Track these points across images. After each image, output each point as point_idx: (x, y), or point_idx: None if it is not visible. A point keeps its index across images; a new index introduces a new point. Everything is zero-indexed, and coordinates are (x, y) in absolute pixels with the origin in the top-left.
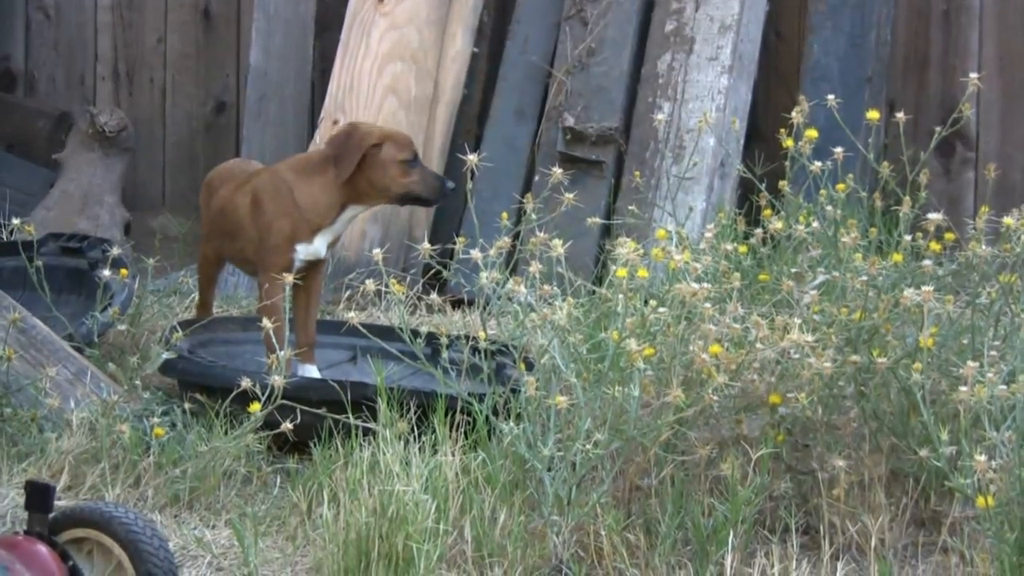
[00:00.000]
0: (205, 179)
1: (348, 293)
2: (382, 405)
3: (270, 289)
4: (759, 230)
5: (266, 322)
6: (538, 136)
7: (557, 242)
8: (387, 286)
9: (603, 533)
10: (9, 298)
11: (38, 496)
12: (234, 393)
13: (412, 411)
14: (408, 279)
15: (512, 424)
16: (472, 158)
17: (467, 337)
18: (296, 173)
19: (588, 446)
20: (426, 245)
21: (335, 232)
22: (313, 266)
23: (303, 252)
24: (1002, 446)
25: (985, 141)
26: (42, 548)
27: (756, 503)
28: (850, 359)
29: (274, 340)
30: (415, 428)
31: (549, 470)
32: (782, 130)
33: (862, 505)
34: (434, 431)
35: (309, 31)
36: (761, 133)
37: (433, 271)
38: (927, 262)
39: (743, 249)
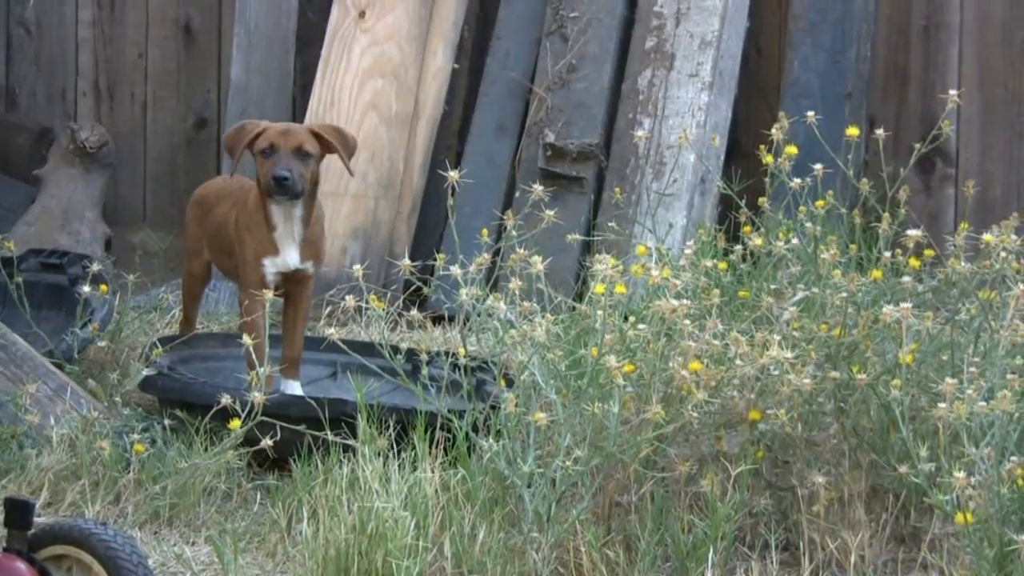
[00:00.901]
0: (194, 196)
1: (328, 309)
2: (362, 422)
3: (249, 306)
4: (739, 247)
5: (246, 339)
6: (519, 152)
7: (537, 259)
8: (367, 302)
9: (583, 550)
10: None
11: (17, 513)
12: (214, 410)
13: (392, 427)
14: (389, 295)
15: (492, 441)
16: (453, 174)
17: (447, 353)
18: (254, 189)
19: (568, 463)
20: (407, 261)
21: (292, 236)
22: (297, 280)
23: (271, 265)
24: (981, 463)
25: (965, 157)
26: (21, 565)
27: (736, 519)
28: (830, 375)
29: (254, 357)
30: (395, 445)
31: (529, 487)
32: (762, 146)
33: (842, 521)
34: (414, 448)
35: (290, 46)
36: (741, 149)
37: (414, 287)
38: (907, 279)
39: (723, 265)
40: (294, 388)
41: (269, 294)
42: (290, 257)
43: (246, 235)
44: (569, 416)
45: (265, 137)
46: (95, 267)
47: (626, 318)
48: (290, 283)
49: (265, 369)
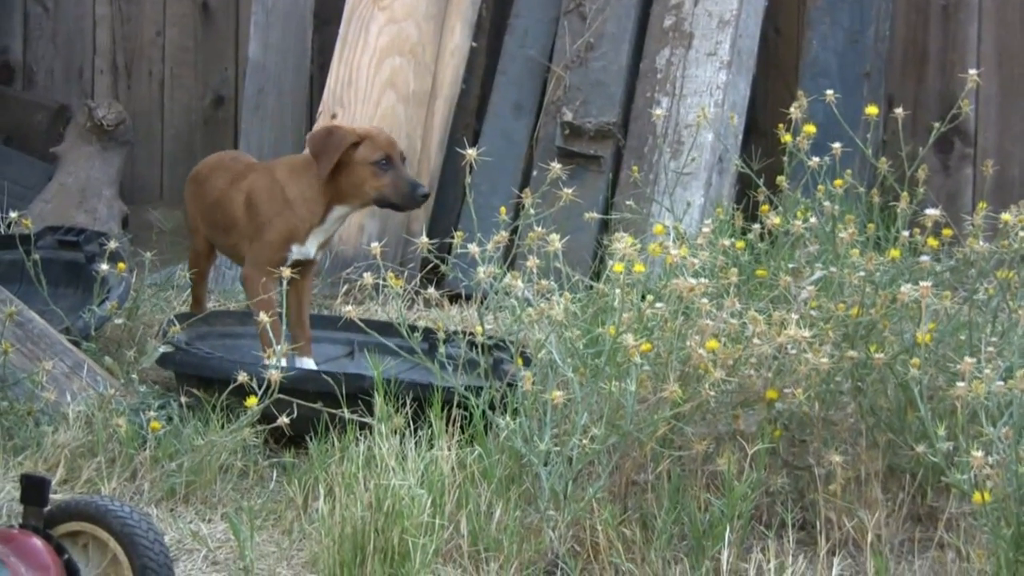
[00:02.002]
0: (191, 174)
1: (346, 287)
2: (379, 399)
3: (266, 283)
4: (757, 225)
5: (262, 316)
6: (536, 131)
7: (555, 237)
8: (385, 280)
9: (599, 528)
10: (6, 291)
11: (34, 490)
12: (231, 386)
13: (408, 405)
14: (406, 273)
15: (509, 419)
16: (471, 152)
17: (464, 332)
18: (288, 173)
19: (584, 441)
20: (424, 239)
21: (326, 232)
22: (303, 266)
23: (296, 252)
24: (999, 442)
25: (983, 137)
26: (37, 542)
27: (752, 498)
28: (847, 355)
29: (271, 334)
30: (411, 423)
31: (545, 465)
32: (780, 125)
33: (859, 501)
34: (430, 426)
35: (308, 25)
36: (759, 128)
37: (431, 265)
38: (925, 258)
39: (740, 244)
40: (309, 365)
41: (287, 271)
42: (311, 247)
43: (276, 219)
44: (586, 395)
45: (375, 147)
46: (112, 245)
47: (643, 297)
48: (296, 267)
49: (282, 347)
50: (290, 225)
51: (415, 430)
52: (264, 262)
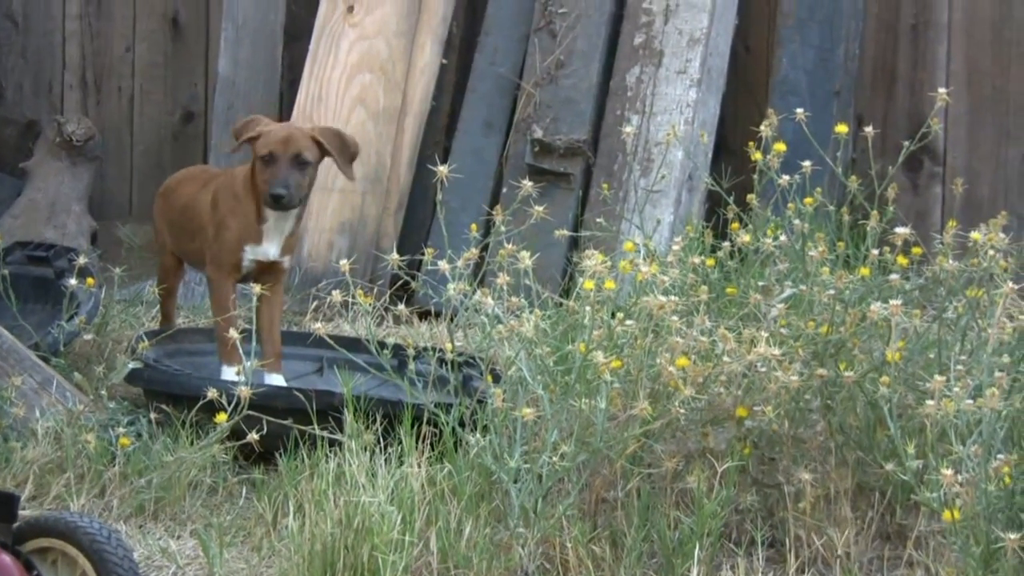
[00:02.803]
0: (161, 188)
1: (315, 304)
2: (348, 416)
3: (219, 286)
4: (727, 243)
5: (231, 332)
6: (506, 148)
7: (525, 254)
8: (354, 297)
9: (569, 545)
10: None
11: (2, 506)
12: (200, 403)
13: (378, 422)
14: (375, 290)
15: (479, 436)
16: (442, 169)
17: (434, 349)
18: (244, 174)
19: (555, 458)
20: (395, 256)
21: (279, 232)
22: (271, 274)
23: (251, 253)
24: (968, 460)
25: (953, 156)
26: (6, 558)
27: (722, 516)
28: (817, 373)
29: (238, 348)
30: (381, 439)
31: (515, 482)
32: (751, 143)
33: (828, 518)
34: (400, 442)
35: (278, 41)
36: (729, 146)
37: (401, 282)
38: (894, 276)
39: (711, 262)
40: (278, 382)
41: (257, 288)
42: (271, 249)
43: (229, 218)
44: (556, 412)
45: (265, 142)
46: (81, 260)
47: (613, 314)
48: (263, 274)
49: (252, 363)
50: (240, 223)
51: (385, 447)
52: (223, 263)
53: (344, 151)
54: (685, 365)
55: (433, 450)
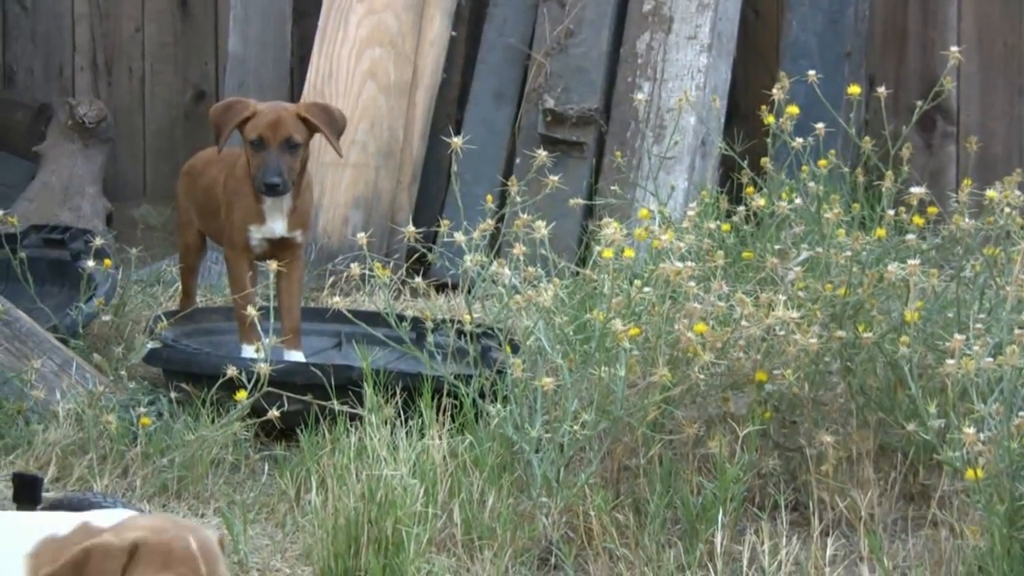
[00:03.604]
0: (184, 168)
1: (332, 279)
2: (368, 389)
3: (234, 265)
4: (742, 208)
5: (250, 310)
6: (518, 118)
7: (540, 224)
8: (371, 271)
9: (592, 514)
10: None
11: (26, 488)
12: (220, 381)
13: (398, 395)
14: (392, 263)
15: (499, 406)
16: (456, 141)
17: (452, 320)
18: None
19: (575, 427)
20: (410, 228)
21: (281, 209)
22: (286, 250)
23: (257, 232)
24: (990, 418)
25: (966, 114)
26: None
27: (744, 481)
28: (836, 335)
29: (257, 326)
30: (402, 412)
31: (537, 452)
32: (763, 107)
33: (851, 480)
34: (421, 415)
35: (287, 18)
36: (741, 111)
37: (417, 255)
38: (911, 236)
39: (726, 227)
40: (298, 358)
41: (274, 264)
42: (276, 226)
43: (234, 199)
44: (576, 380)
45: (254, 126)
46: (97, 242)
47: (631, 282)
48: (278, 250)
49: (270, 340)
50: (243, 204)
51: (405, 420)
52: (235, 242)
53: (333, 126)
54: (703, 331)
55: (454, 422)
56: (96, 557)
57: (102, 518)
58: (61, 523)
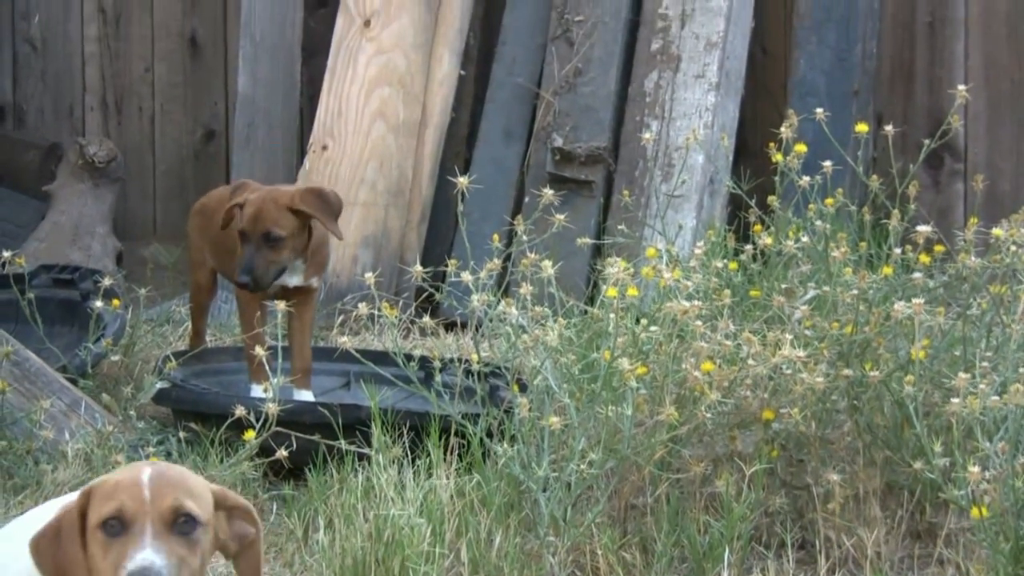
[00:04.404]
0: (195, 207)
1: (341, 318)
2: (376, 429)
3: (245, 305)
4: (749, 246)
5: (257, 349)
6: (527, 157)
7: (548, 263)
8: (380, 310)
9: (599, 552)
10: (2, 331)
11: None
12: (229, 421)
13: (406, 434)
14: (400, 303)
15: (506, 446)
16: (463, 180)
17: (460, 360)
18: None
19: (583, 466)
20: (419, 268)
21: (297, 269)
22: (300, 293)
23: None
24: (995, 456)
25: (973, 152)
26: None
27: (751, 519)
28: (842, 373)
29: (264, 366)
30: (409, 452)
31: (544, 491)
32: (771, 144)
33: (857, 519)
34: (428, 454)
35: (296, 57)
36: (749, 149)
37: (426, 294)
38: (917, 275)
39: (733, 266)
40: (307, 397)
41: (282, 304)
42: (289, 279)
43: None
44: (583, 419)
45: (241, 217)
46: (106, 281)
47: (638, 320)
48: (292, 295)
49: (279, 380)
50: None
51: (413, 459)
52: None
53: (327, 209)
54: (710, 369)
55: (461, 461)
56: (67, 511)
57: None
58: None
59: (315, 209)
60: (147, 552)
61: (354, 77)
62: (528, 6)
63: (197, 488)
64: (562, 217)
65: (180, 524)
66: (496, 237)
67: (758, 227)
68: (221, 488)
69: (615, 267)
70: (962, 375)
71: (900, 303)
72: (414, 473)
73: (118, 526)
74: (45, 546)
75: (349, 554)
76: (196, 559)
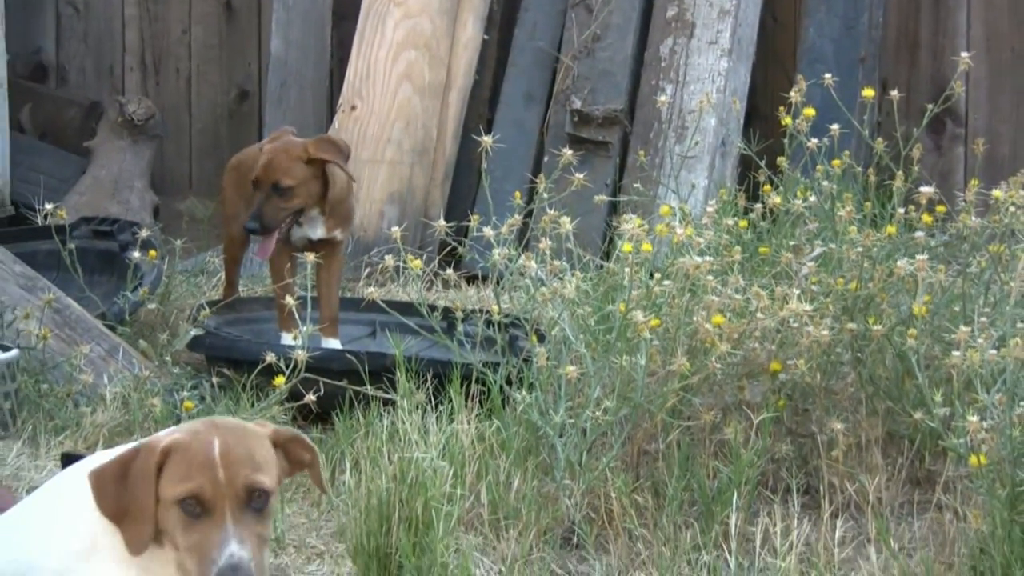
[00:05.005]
0: (230, 163)
1: (368, 270)
2: (400, 376)
3: (275, 256)
4: (759, 205)
5: (287, 299)
6: (547, 119)
7: (566, 219)
8: (405, 263)
9: (613, 496)
10: (44, 280)
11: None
12: (259, 367)
13: (429, 381)
14: (424, 256)
15: (525, 393)
16: (486, 140)
17: (481, 311)
18: None
19: (598, 413)
20: (442, 223)
21: (318, 220)
22: (326, 245)
23: (296, 231)
24: (993, 407)
25: (974, 117)
26: None
27: (758, 465)
28: (847, 327)
29: (294, 315)
30: (432, 398)
31: (561, 436)
32: (781, 108)
33: (860, 466)
34: (450, 401)
35: (327, 21)
36: (759, 113)
37: (449, 248)
38: (920, 234)
39: (743, 224)
40: (334, 346)
41: (311, 256)
42: (312, 232)
43: None
44: (598, 369)
45: (256, 166)
46: (144, 233)
47: (652, 275)
48: (319, 246)
49: (307, 328)
50: None
51: (436, 405)
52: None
53: (339, 154)
54: (720, 322)
55: (482, 407)
56: (142, 454)
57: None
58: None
59: (329, 154)
60: (233, 546)
61: (382, 41)
62: None
63: (261, 454)
64: (580, 176)
65: (255, 501)
66: (517, 194)
67: (767, 187)
68: (274, 428)
69: (630, 224)
70: (962, 329)
71: (903, 261)
72: (437, 418)
73: (197, 507)
74: (109, 485)
75: (374, 495)
76: (268, 529)
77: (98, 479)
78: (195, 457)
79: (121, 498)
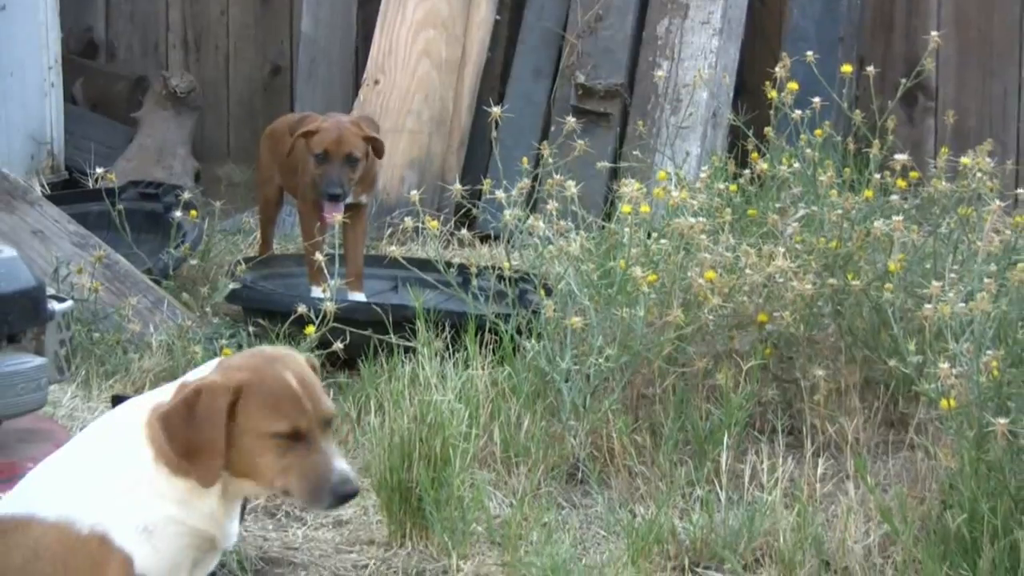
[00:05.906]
0: (267, 131)
1: (390, 231)
2: (420, 326)
3: (305, 217)
4: (747, 171)
5: (317, 256)
6: (553, 92)
7: (571, 184)
8: (423, 224)
9: (614, 435)
10: (96, 238)
11: None
12: (292, 317)
13: (447, 331)
14: (441, 217)
15: (534, 342)
16: (497, 111)
17: (494, 267)
18: None
19: (600, 360)
20: (458, 187)
21: None
22: (353, 207)
23: None
24: (962, 356)
25: (944, 92)
26: None
27: (747, 408)
28: (828, 282)
29: (323, 270)
30: (450, 346)
31: (567, 381)
32: (767, 82)
33: (839, 409)
34: (466, 349)
35: (352, 2)
36: (748, 87)
37: (464, 210)
38: (894, 197)
39: (733, 188)
40: (360, 298)
41: (338, 217)
42: None
43: (308, 166)
44: (601, 320)
45: (319, 141)
46: (186, 196)
47: (649, 235)
48: (346, 209)
49: (335, 282)
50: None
51: (453, 353)
52: (306, 197)
53: (378, 130)
54: (712, 278)
55: (494, 355)
56: (206, 394)
57: (194, 374)
58: (161, 393)
59: (374, 130)
60: (340, 462)
61: (403, 20)
62: None
63: (317, 378)
64: (583, 144)
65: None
66: (525, 161)
67: (755, 155)
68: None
69: (630, 188)
70: (934, 284)
71: (879, 222)
72: (453, 365)
73: (291, 438)
74: (178, 424)
75: (397, 434)
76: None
77: (167, 421)
78: (282, 393)
79: (192, 437)
